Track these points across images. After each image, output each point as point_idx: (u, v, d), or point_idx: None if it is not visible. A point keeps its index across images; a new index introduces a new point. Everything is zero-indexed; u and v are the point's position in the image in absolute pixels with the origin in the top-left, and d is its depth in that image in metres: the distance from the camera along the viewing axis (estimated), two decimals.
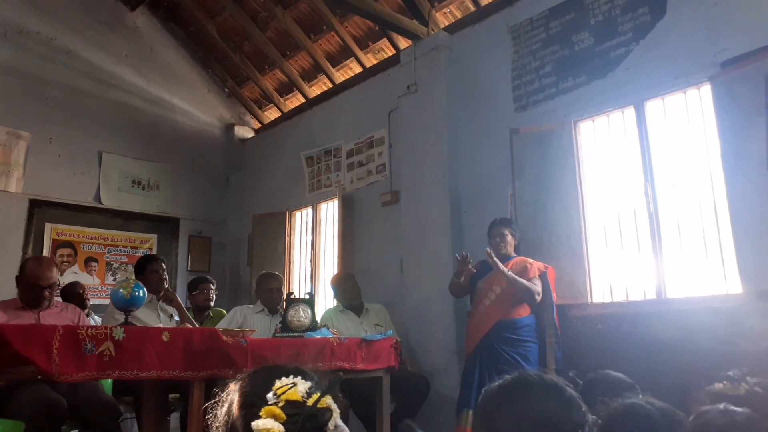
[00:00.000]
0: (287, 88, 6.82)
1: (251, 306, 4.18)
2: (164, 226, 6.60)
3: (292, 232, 6.42)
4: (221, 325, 3.86)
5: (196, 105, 7.05)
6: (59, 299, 4.03)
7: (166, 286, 3.83)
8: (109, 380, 3.32)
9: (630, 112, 3.83)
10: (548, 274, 3.68)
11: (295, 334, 3.31)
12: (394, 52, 5.58)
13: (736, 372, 1.75)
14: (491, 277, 3.71)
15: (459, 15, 5.09)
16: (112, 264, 6.18)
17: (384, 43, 5.72)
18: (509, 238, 3.78)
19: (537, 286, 3.59)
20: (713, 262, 3.38)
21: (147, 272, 3.75)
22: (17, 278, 3.10)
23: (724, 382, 1.70)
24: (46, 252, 5.71)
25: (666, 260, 3.56)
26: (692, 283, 3.47)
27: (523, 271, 3.62)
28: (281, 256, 6.28)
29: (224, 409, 1.10)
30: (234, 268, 6.92)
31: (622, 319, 3.62)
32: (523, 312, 3.61)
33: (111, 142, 6.29)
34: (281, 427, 0.94)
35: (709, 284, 3.39)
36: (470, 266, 3.73)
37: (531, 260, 3.72)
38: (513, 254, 3.80)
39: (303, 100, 6.67)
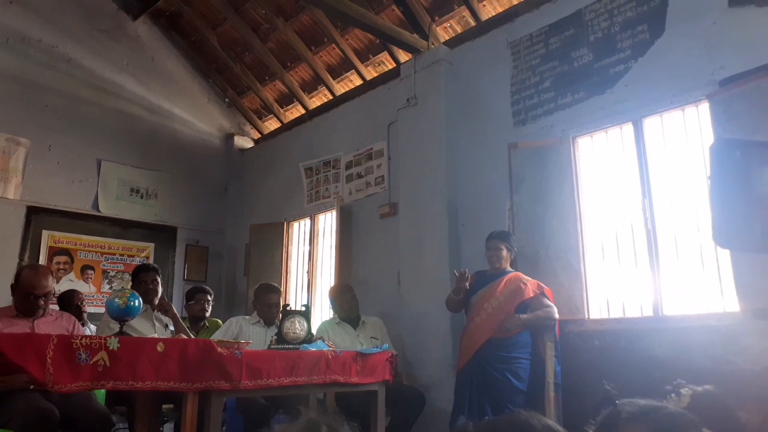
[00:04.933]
0: (287, 99, 6.84)
1: (247, 317, 4.16)
2: (162, 234, 6.59)
3: (289, 243, 6.41)
4: (216, 336, 3.84)
5: (196, 114, 7.07)
6: (56, 307, 4.02)
7: (161, 296, 3.82)
8: (103, 390, 3.30)
9: (628, 128, 3.85)
10: (546, 294, 3.66)
11: (290, 346, 3.29)
12: (395, 65, 5.61)
13: (678, 383, 1.74)
14: (484, 292, 3.69)
15: (459, 30, 5.12)
16: (109, 272, 6.16)
17: (384, 56, 5.75)
18: (504, 252, 3.76)
19: (549, 308, 3.57)
20: (710, 280, 3.38)
21: (140, 282, 3.74)
22: (12, 286, 3.09)
23: (672, 395, 1.69)
24: (42, 259, 5.70)
25: (663, 277, 3.55)
26: (689, 300, 3.47)
27: (516, 291, 3.60)
28: (278, 267, 6.27)
29: None
30: (230, 278, 6.90)
31: (619, 335, 3.61)
32: (515, 329, 3.58)
33: (110, 150, 6.30)
34: None
35: (706, 302, 3.39)
36: (467, 284, 3.72)
37: (526, 279, 3.68)
38: (509, 269, 3.79)
39: (303, 111, 6.69)
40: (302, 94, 6.59)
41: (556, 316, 3.58)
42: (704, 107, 3.46)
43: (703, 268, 3.42)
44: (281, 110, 6.97)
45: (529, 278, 3.69)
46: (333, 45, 5.96)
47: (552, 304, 3.60)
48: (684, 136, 3.63)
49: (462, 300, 3.82)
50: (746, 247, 3.04)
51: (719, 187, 3.05)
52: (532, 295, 3.60)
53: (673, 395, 1.68)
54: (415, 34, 5.04)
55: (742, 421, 1.57)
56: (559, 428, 1.05)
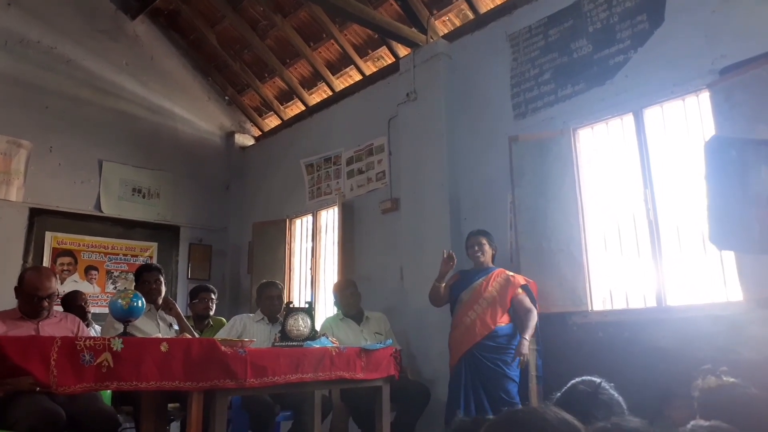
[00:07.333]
0: (287, 95, 6.83)
1: (251, 315, 4.17)
2: (165, 234, 6.60)
3: (292, 240, 6.42)
4: (221, 335, 3.85)
5: (196, 113, 7.06)
6: (60, 309, 4.03)
7: (164, 295, 3.83)
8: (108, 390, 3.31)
9: (629, 119, 3.83)
10: (530, 286, 3.72)
11: (294, 343, 3.30)
12: (394, 60, 5.59)
13: (723, 371, 1.72)
14: (472, 291, 3.73)
15: (458, 23, 5.10)
16: (113, 272, 6.17)
17: (383, 51, 5.73)
18: (486, 247, 3.83)
19: (530, 311, 3.62)
20: (713, 269, 3.37)
21: (143, 282, 3.75)
22: (16, 289, 3.09)
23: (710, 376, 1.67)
24: (46, 260, 5.71)
25: (666, 267, 3.54)
26: (692, 290, 3.46)
27: (506, 284, 3.68)
28: (281, 264, 6.27)
29: None
30: (234, 276, 6.91)
31: (622, 326, 3.60)
32: (503, 320, 3.65)
33: (111, 150, 6.30)
34: None
35: (710, 291, 3.38)
36: (452, 264, 3.80)
37: (512, 273, 3.76)
38: (492, 265, 3.84)
39: (303, 108, 6.68)
40: (302, 90, 6.58)
41: (536, 318, 3.63)
42: (705, 96, 3.44)
43: (706, 257, 3.41)
44: (281, 107, 6.96)
45: (515, 273, 3.78)
46: (331, 41, 5.95)
47: (532, 307, 3.64)
48: (685, 125, 3.61)
49: (443, 293, 3.87)
50: (744, 249, 3.02)
51: (715, 187, 3.02)
52: (523, 282, 3.70)
53: (709, 376, 1.66)
54: (413, 29, 5.02)
55: None
56: (575, 422, 1.05)
